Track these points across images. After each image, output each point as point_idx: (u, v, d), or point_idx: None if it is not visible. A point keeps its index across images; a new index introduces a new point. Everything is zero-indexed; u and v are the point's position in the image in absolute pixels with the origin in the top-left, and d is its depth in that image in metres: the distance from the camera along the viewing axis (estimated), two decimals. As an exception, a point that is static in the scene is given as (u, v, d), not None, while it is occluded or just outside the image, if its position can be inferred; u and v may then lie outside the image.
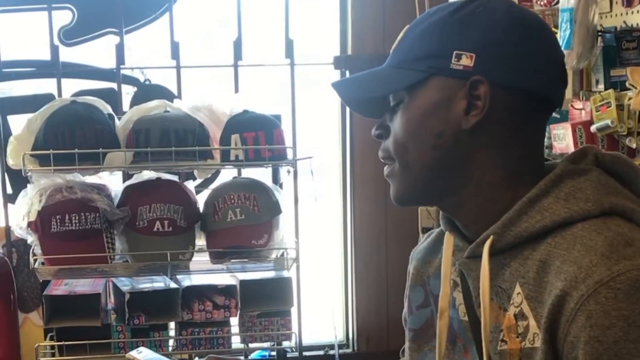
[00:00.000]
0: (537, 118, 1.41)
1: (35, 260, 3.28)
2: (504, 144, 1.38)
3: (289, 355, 3.79)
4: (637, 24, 2.88)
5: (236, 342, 3.60)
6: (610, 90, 2.84)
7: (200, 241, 3.44)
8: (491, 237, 1.37)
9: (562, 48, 2.67)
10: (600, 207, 1.32)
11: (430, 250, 1.62)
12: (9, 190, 3.71)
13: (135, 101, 3.78)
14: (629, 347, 1.20)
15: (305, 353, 4.10)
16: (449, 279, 1.47)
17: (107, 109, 3.33)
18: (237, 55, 3.93)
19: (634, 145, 2.83)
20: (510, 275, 1.36)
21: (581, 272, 1.24)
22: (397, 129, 1.42)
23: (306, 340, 4.12)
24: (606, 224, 1.30)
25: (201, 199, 3.47)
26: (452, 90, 1.36)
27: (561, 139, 2.95)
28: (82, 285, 3.43)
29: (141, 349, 1.58)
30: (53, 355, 3.40)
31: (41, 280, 3.44)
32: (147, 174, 3.45)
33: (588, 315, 1.22)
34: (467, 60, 1.34)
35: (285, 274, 3.54)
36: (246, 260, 3.41)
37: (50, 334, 3.41)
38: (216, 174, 3.69)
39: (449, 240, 1.48)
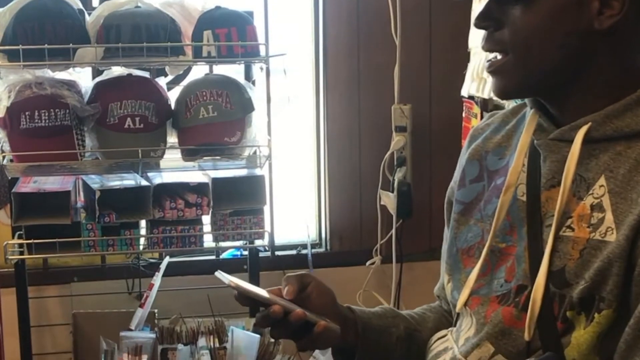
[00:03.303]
0: None
1: (3, 157, 3.25)
2: (627, 43, 1.37)
3: (261, 254, 3.79)
4: None
5: (208, 241, 3.60)
6: None
7: (172, 138, 3.40)
8: (589, 123, 1.37)
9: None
10: None
11: (494, 129, 1.63)
12: (-23, 87, 3.64)
13: (104, -4, 3.70)
14: None
15: (278, 252, 4.11)
16: (523, 156, 1.48)
17: (77, 4, 3.27)
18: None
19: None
20: (595, 166, 1.37)
21: None
22: (520, 26, 1.38)
23: (279, 240, 4.12)
24: None
25: (173, 96, 3.43)
26: None
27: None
28: (52, 183, 3.38)
29: (223, 274, 1.52)
30: (22, 253, 3.38)
31: (9, 178, 3.39)
32: (118, 70, 3.40)
33: None
34: None
35: (257, 171, 3.51)
36: (218, 157, 3.38)
37: (19, 232, 3.37)
38: (188, 71, 3.62)
39: (532, 118, 1.47)
